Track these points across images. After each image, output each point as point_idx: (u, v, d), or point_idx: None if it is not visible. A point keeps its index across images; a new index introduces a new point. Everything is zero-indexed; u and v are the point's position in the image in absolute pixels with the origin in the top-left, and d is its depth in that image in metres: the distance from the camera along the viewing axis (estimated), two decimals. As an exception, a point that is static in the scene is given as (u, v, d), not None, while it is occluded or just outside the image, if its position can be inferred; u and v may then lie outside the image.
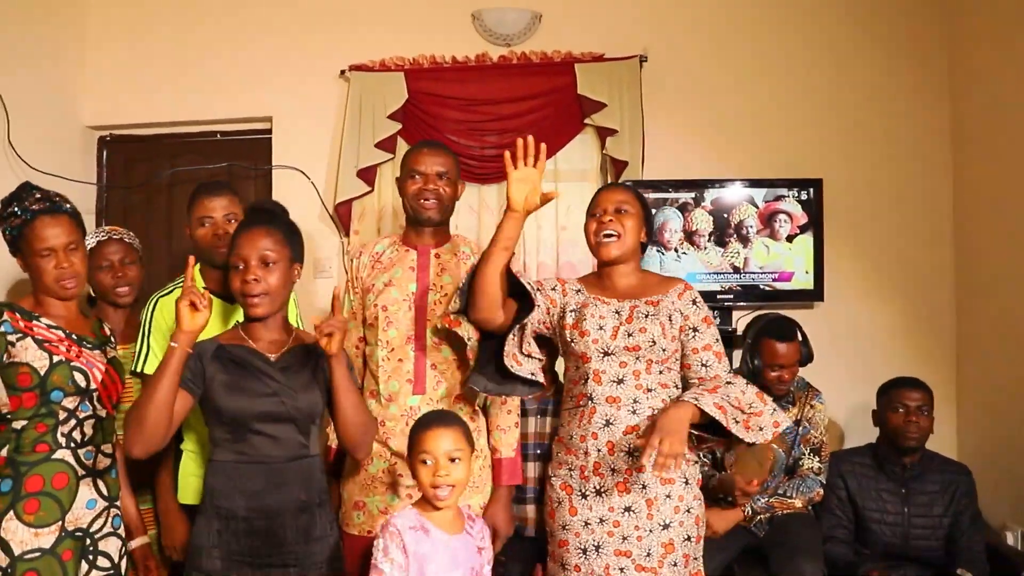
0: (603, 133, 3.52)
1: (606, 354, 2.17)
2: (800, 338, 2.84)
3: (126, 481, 2.27)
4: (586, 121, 3.53)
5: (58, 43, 3.62)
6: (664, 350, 2.18)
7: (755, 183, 3.48)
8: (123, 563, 2.17)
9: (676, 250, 3.47)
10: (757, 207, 3.46)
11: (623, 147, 3.49)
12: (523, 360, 2.26)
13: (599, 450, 2.15)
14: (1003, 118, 3.20)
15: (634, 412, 2.14)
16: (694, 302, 2.25)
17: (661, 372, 2.20)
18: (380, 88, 3.54)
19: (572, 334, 2.22)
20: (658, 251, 3.47)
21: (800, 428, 2.88)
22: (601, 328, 2.18)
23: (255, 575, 1.93)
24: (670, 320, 2.20)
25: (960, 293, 3.53)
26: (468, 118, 3.55)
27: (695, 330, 2.23)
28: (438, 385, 2.39)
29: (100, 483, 2.11)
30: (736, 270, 3.47)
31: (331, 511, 2.12)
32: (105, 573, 2.10)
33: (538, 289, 2.27)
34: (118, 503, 2.17)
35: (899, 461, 2.85)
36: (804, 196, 3.45)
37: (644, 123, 3.49)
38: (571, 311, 2.25)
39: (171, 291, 2.46)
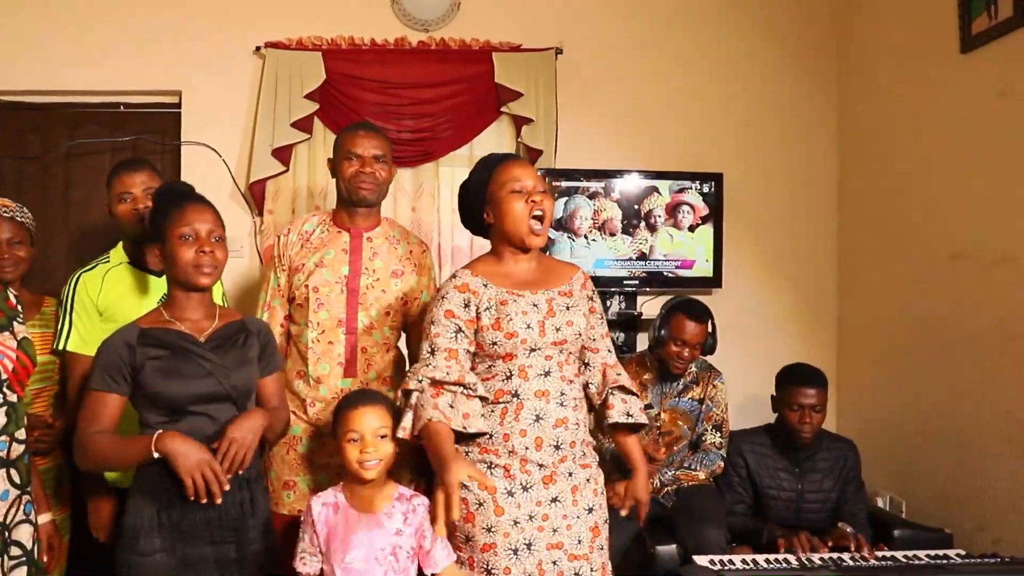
0: (519, 121, 3.60)
1: (532, 350, 2.06)
2: (710, 328, 3.02)
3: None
4: (502, 109, 3.60)
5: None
6: (581, 339, 2.16)
7: (661, 175, 3.66)
8: (35, 548, 2.04)
9: (586, 237, 3.62)
10: (664, 197, 3.65)
11: (538, 136, 3.59)
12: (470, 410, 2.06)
13: (527, 447, 2.03)
14: (884, 123, 3.51)
15: (562, 404, 2.07)
16: (592, 288, 2.24)
17: (574, 363, 2.16)
18: (297, 67, 3.49)
19: (495, 335, 2.04)
20: (569, 238, 3.60)
21: (703, 406, 3.09)
22: (528, 327, 2.04)
23: (193, 553, 1.93)
24: (583, 310, 2.16)
25: (842, 281, 3.85)
26: (386, 101, 3.56)
27: (599, 317, 2.24)
28: (368, 368, 2.42)
29: (13, 472, 1.92)
30: (643, 257, 3.65)
31: (264, 486, 2.14)
32: (17, 561, 1.96)
33: (453, 318, 2.07)
34: (29, 489, 1.99)
35: (793, 445, 2.96)
36: (706, 189, 3.66)
37: (558, 113, 3.60)
38: (486, 310, 2.07)
39: (94, 267, 2.39)
